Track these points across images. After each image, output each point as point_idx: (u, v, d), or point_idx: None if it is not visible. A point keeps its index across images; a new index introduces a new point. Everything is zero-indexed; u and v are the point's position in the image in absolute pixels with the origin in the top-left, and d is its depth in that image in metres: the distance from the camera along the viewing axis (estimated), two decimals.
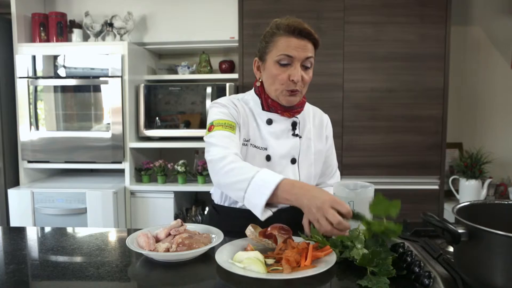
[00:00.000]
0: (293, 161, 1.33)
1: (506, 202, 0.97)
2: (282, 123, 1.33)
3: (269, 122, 1.33)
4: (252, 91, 1.38)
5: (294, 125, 1.34)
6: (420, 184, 2.69)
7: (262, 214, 1.07)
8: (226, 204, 1.37)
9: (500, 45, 3.02)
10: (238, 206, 1.33)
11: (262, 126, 1.33)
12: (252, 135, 1.32)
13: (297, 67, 1.23)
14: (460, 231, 0.81)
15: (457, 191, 2.86)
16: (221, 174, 1.16)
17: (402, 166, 2.68)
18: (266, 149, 1.31)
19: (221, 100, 1.34)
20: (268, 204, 1.07)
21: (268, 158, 1.30)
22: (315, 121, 1.42)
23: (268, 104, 1.32)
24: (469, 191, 2.76)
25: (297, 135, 1.34)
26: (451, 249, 1.02)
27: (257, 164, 1.24)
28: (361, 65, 2.66)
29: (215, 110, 1.30)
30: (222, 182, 1.16)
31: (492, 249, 0.77)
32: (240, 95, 1.41)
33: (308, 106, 1.43)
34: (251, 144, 1.31)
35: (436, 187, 2.68)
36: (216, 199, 1.41)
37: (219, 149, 1.19)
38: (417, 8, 2.61)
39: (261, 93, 1.33)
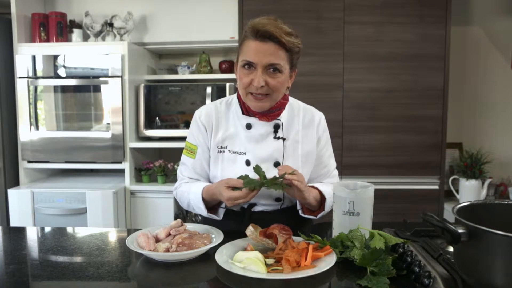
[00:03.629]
0: (277, 164, 1.27)
1: (506, 202, 0.97)
2: (261, 127, 1.28)
3: (248, 126, 1.29)
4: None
5: (276, 128, 1.29)
6: (420, 184, 2.68)
7: (215, 216, 1.29)
8: None
9: (500, 45, 3.02)
10: (225, 206, 1.32)
11: (241, 131, 1.30)
12: (231, 139, 1.31)
13: (258, 72, 1.18)
14: (460, 231, 0.81)
15: (457, 191, 2.86)
16: (178, 201, 1.38)
17: (402, 166, 2.68)
18: (245, 153, 1.28)
19: (200, 110, 1.39)
20: (219, 203, 1.29)
21: (247, 163, 1.27)
22: (304, 121, 1.34)
23: (246, 108, 1.29)
24: (469, 191, 2.76)
25: (279, 138, 1.29)
26: (451, 249, 1.02)
27: (237, 169, 1.26)
28: (361, 65, 2.65)
29: (190, 127, 1.40)
30: (183, 206, 1.37)
31: (492, 249, 0.77)
32: (230, 97, 1.39)
33: (298, 105, 1.37)
34: (228, 150, 1.30)
35: (436, 187, 2.68)
36: None
37: (177, 182, 1.40)
38: (417, 8, 2.60)
39: (240, 96, 1.30)
